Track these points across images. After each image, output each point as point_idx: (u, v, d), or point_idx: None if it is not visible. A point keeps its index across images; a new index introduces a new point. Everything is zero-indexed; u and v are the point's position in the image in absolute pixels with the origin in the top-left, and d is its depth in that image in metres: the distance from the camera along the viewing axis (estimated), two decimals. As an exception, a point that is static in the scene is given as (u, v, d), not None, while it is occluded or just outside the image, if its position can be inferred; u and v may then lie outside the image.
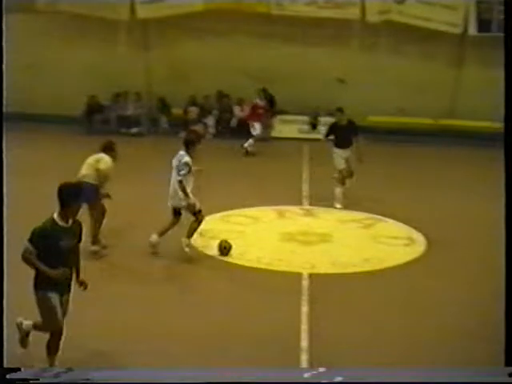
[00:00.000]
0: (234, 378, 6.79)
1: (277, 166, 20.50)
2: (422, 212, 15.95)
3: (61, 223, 8.12)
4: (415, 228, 14.89)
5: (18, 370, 7.16)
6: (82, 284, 8.57)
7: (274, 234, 14.48)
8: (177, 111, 25.31)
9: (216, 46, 24.87)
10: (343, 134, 16.46)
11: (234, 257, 13.05)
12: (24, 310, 8.82)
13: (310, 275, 12.21)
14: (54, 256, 8.07)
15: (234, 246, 13.15)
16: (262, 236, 14.44)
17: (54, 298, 8.23)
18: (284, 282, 11.96)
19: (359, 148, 16.38)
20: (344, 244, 14.03)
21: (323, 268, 12.77)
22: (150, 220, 13.72)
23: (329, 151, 16.65)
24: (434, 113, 23.77)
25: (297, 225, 15.22)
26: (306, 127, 24.92)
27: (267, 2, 24.49)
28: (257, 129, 22.47)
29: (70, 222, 8.22)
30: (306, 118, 24.97)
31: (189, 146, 12.65)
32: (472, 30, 24.61)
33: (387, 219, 15.56)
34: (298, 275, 12.23)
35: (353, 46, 25.35)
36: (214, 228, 14.34)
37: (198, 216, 12.80)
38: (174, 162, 12.63)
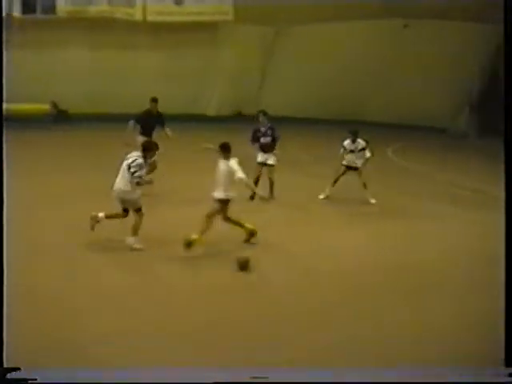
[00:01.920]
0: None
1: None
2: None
3: None
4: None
5: (18, 369, 7.15)
6: None
7: None
8: None
9: None
10: (149, 122, 17.11)
11: None
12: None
13: None
14: None
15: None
16: None
17: None
18: None
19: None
20: None
21: None
22: None
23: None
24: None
25: None
26: None
27: None
28: None
29: None
30: None
31: (145, 151, 12.72)
32: (17, 12, 24.82)
33: None
34: None
35: None
36: None
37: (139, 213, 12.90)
38: (125, 161, 12.69)
